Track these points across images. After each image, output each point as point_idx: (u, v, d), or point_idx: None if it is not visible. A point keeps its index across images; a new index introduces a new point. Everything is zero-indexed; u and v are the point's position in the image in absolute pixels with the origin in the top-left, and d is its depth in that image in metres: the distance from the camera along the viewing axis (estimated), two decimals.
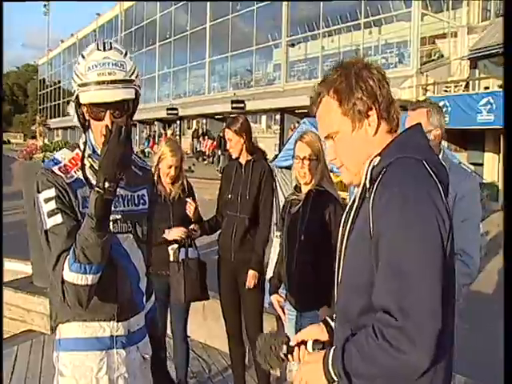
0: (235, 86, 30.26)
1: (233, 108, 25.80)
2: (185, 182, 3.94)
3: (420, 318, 1.25)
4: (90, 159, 1.87)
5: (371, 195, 1.40)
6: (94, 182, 1.75)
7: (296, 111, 22.67)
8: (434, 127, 2.68)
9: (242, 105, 26.23)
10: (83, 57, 1.78)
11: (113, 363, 1.89)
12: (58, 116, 53.88)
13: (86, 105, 1.77)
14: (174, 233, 3.77)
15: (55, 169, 1.81)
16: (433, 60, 20.94)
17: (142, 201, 1.99)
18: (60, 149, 2.04)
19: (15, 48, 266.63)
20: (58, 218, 1.73)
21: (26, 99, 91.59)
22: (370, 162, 1.45)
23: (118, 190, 1.75)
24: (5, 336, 5.60)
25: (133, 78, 1.80)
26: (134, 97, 1.80)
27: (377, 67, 1.52)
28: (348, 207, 1.59)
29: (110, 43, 1.81)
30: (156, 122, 37.23)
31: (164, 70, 37.97)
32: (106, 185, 1.65)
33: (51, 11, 62.66)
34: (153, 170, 3.84)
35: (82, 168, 1.84)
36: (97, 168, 1.73)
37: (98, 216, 1.65)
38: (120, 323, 1.91)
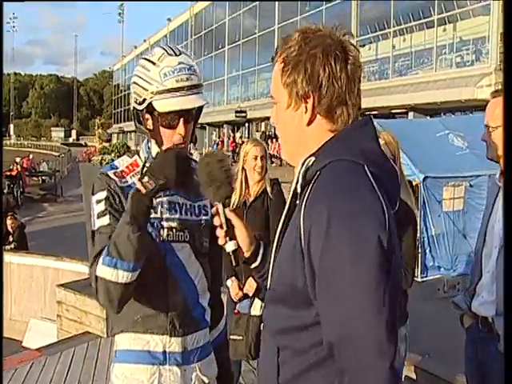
0: None
1: None
2: (268, 186, 3.55)
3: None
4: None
5: (302, 203, 1.19)
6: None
7: (366, 113, 22.07)
8: None
9: None
10: (153, 63, 1.73)
11: (165, 380, 1.81)
12: (131, 120, 56.11)
13: (160, 112, 1.72)
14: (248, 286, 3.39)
15: (110, 173, 1.81)
16: None
17: (203, 211, 1.91)
18: (117, 151, 1.95)
19: (95, 56, 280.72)
20: (106, 220, 1.73)
21: (102, 104, 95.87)
22: (304, 163, 1.25)
23: (176, 197, 1.81)
24: (64, 336, 5.75)
25: (202, 82, 1.79)
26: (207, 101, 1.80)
27: (353, 56, 1.27)
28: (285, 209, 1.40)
29: (177, 48, 1.79)
30: (225, 125, 37.67)
31: (233, 73, 38.39)
32: (145, 179, 1.62)
33: (126, 19, 65.16)
34: (238, 174, 3.59)
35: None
36: None
37: (132, 211, 1.63)
38: (174, 338, 1.81)
